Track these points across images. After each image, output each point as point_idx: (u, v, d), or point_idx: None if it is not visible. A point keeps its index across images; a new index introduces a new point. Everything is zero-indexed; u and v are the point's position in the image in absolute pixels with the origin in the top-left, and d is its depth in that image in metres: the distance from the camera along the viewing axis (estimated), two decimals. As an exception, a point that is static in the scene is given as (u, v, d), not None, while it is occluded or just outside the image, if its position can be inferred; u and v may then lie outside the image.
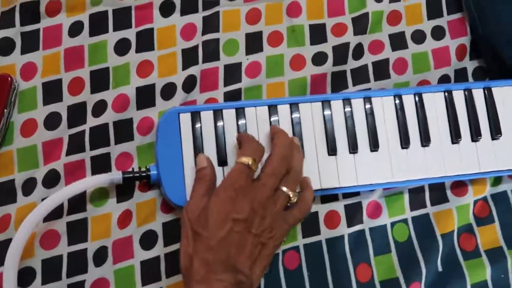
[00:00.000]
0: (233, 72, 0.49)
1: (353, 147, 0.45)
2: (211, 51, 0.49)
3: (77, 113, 0.46)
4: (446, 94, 0.47)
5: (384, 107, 0.46)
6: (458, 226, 0.48)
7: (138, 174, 0.43)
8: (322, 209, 0.47)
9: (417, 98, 0.46)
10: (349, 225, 0.47)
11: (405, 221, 0.48)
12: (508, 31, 0.48)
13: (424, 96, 0.46)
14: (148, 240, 0.44)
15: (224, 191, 0.38)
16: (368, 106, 0.46)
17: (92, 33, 0.47)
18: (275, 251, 0.40)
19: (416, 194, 0.48)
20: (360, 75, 0.50)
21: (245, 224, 0.37)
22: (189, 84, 0.47)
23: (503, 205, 0.49)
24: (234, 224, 0.37)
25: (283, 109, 0.45)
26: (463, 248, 0.48)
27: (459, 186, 0.49)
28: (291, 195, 0.40)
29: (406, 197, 0.48)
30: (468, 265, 0.47)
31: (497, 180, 0.50)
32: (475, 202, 0.49)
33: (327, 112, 0.45)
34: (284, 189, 0.40)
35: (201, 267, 0.36)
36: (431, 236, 0.48)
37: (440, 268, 0.47)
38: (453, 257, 0.48)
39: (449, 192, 0.49)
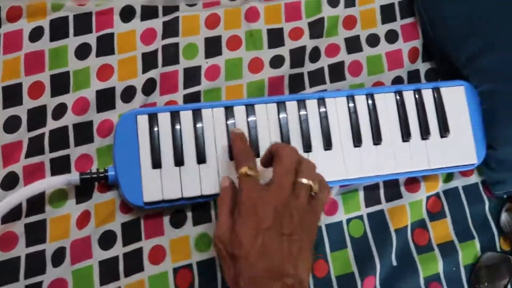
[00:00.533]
0: (192, 75, 0.50)
1: (307, 147, 0.46)
2: (171, 55, 0.50)
3: (37, 116, 0.46)
4: (397, 94, 0.48)
5: (337, 107, 0.47)
6: (412, 222, 0.50)
7: (96, 175, 0.44)
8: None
9: (369, 99, 0.48)
10: (306, 222, 0.48)
11: (360, 217, 0.49)
12: (455, 34, 0.50)
13: (376, 96, 0.48)
14: (106, 240, 0.45)
15: (244, 208, 0.37)
16: (322, 106, 0.47)
17: (52, 38, 0.48)
18: (313, 242, 0.39)
19: (371, 191, 0.50)
20: (316, 77, 0.52)
21: (275, 229, 0.37)
22: (149, 87, 0.49)
23: (455, 200, 0.51)
24: (265, 234, 0.36)
25: (240, 111, 0.46)
26: (417, 242, 0.50)
27: (412, 182, 0.51)
28: (312, 184, 0.39)
29: (361, 194, 0.50)
30: (421, 259, 0.49)
31: (449, 177, 0.52)
32: (428, 198, 0.51)
33: (282, 113, 0.46)
34: (304, 180, 0.39)
35: (249, 286, 0.36)
36: (385, 232, 0.49)
37: (394, 263, 0.49)
38: (407, 251, 0.49)
39: (402, 189, 0.51)
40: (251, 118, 0.46)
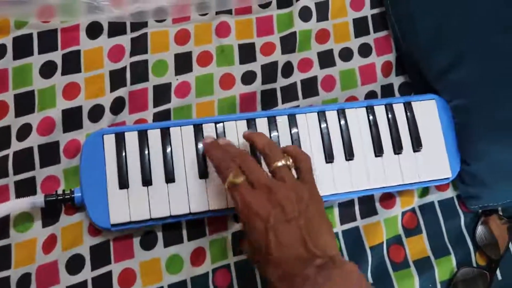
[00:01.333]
0: (162, 93, 0.49)
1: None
2: (140, 72, 0.49)
3: (0, 138, 0.45)
4: (369, 109, 0.48)
5: (308, 123, 0.47)
6: (387, 238, 0.49)
7: (61, 197, 0.43)
8: (253, 226, 0.47)
9: (340, 114, 0.47)
10: (280, 240, 0.48)
11: (335, 234, 0.48)
12: (426, 48, 0.50)
13: (347, 112, 0.47)
14: (74, 264, 0.44)
15: (245, 216, 0.37)
16: (292, 123, 0.46)
17: (16, 56, 0.47)
18: (323, 211, 0.38)
19: (346, 208, 0.49)
20: (289, 93, 0.51)
21: (280, 220, 0.36)
22: (117, 105, 0.48)
23: (430, 215, 0.51)
24: (274, 229, 0.35)
25: (209, 128, 0.45)
26: (393, 259, 0.49)
27: (388, 198, 0.50)
28: (285, 162, 0.39)
29: (336, 211, 0.49)
30: (397, 276, 0.49)
31: (424, 191, 0.51)
32: (403, 213, 0.50)
33: (252, 130, 0.45)
34: (277, 164, 0.39)
35: (282, 284, 0.35)
36: (361, 249, 0.48)
37: (370, 280, 0.48)
38: (382, 268, 0.49)
39: (378, 205, 0.50)
40: (220, 134, 0.45)
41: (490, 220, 0.51)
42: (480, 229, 0.51)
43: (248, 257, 0.39)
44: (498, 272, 0.50)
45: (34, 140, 0.45)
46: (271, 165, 0.39)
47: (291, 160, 0.40)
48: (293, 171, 0.40)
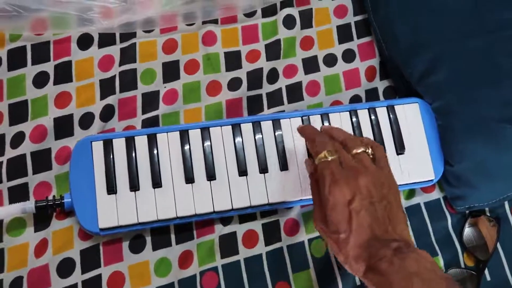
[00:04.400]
0: (151, 100, 0.50)
1: (263, 169, 0.46)
2: (129, 80, 0.51)
3: (-5, 146, 0.47)
4: (352, 113, 0.49)
5: (292, 128, 0.47)
6: (375, 240, 0.50)
7: (52, 203, 0.44)
8: (240, 229, 0.48)
9: (324, 119, 0.48)
10: (267, 243, 0.48)
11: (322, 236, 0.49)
12: (407, 52, 0.51)
13: (331, 116, 0.48)
14: (65, 268, 0.45)
15: (331, 195, 0.37)
16: (277, 128, 0.47)
17: (10, 68, 0.49)
18: (400, 199, 0.39)
19: (332, 210, 0.50)
20: (274, 98, 0.52)
21: (364, 200, 0.36)
22: (106, 113, 0.49)
23: (417, 217, 0.51)
24: (357, 212, 0.36)
25: (195, 134, 0.46)
26: (380, 261, 0.50)
27: (374, 200, 0.51)
28: (364, 149, 0.40)
29: (322, 213, 0.50)
30: (385, 277, 0.49)
31: (410, 193, 0.52)
32: (390, 215, 0.51)
33: (237, 135, 0.47)
34: (356, 150, 0.40)
35: (357, 263, 0.35)
36: (347, 251, 0.49)
37: (358, 281, 0.48)
38: (370, 270, 0.49)
39: (364, 207, 0.51)
40: (206, 140, 0.46)
41: (478, 221, 0.52)
42: (467, 230, 0.51)
43: (319, 228, 0.39)
44: (486, 272, 0.50)
45: (27, 148, 0.47)
46: (351, 151, 0.40)
47: (370, 149, 0.41)
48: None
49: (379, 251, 0.34)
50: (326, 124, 0.48)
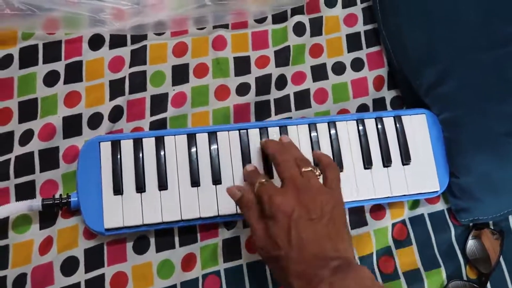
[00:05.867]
0: (159, 102, 0.51)
1: (269, 174, 0.46)
2: (138, 82, 0.51)
3: (4, 142, 0.47)
4: (359, 122, 0.49)
5: (299, 135, 0.48)
6: (377, 249, 0.50)
7: (58, 201, 0.44)
8: (243, 234, 0.48)
9: (331, 127, 0.48)
10: (270, 249, 0.48)
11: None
12: (416, 63, 0.51)
13: (338, 124, 0.49)
14: (69, 266, 0.45)
15: (270, 210, 0.38)
16: (284, 134, 0.47)
17: (22, 66, 0.49)
18: (345, 218, 0.40)
19: (336, 218, 0.50)
20: (282, 105, 0.53)
21: (303, 217, 0.37)
22: (115, 114, 0.49)
23: (421, 228, 0.51)
24: (296, 226, 0.37)
25: (202, 138, 0.46)
26: (382, 270, 0.49)
27: (378, 209, 0.51)
28: (312, 169, 0.41)
29: (326, 221, 0.50)
30: (387, 287, 0.49)
31: (414, 204, 0.52)
32: (394, 225, 0.51)
33: (244, 140, 0.47)
34: (304, 169, 0.41)
35: (298, 281, 0.36)
36: (350, 259, 0.49)
37: (359, 291, 0.48)
38: (372, 279, 0.49)
39: (368, 216, 0.51)
40: (213, 146, 0.46)
41: (482, 234, 0.52)
42: (471, 242, 0.51)
43: (261, 251, 0.39)
44: (489, 286, 0.50)
45: (35, 145, 0.47)
46: (301, 169, 0.41)
47: (318, 171, 0.42)
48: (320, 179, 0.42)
49: (318, 272, 0.35)
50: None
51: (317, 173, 0.42)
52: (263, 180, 0.41)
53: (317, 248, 0.36)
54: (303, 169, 0.41)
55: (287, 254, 0.37)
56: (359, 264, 0.36)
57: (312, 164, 0.44)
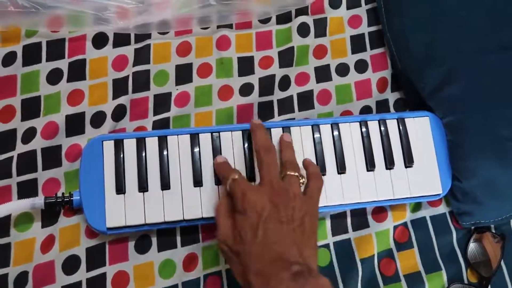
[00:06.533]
0: (162, 102, 0.51)
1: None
2: (142, 81, 0.51)
3: (6, 140, 0.47)
4: (362, 124, 0.49)
5: (302, 136, 0.48)
6: (379, 251, 0.50)
7: (61, 200, 0.44)
8: (245, 235, 0.48)
9: (334, 128, 0.48)
10: (272, 250, 0.48)
11: (327, 246, 0.49)
12: (420, 65, 0.51)
13: (341, 126, 0.48)
14: (70, 265, 0.45)
15: (241, 205, 0.39)
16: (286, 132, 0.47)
17: (25, 63, 0.49)
18: (316, 226, 0.40)
19: (338, 220, 0.50)
20: (285, 106, 0.52)
21: (274, 218, 0.38)
22: (118, 113, 0.49)
23: (422, 230, 0.51)
24: (265, 224, 0.37)
25: (205, 138, 0.46)
26: (383, 272, 0.49)
27: (380, 212, 0.51)
28: (297, 175, 0.42)
29: (328, 222, 0.50)
30: (388, 289, 0.49)
31: (416, 206, 0.52)
32: (395, 227, 0.51)
33: (247, 141, 0.46)
34: (289, 172, 0.42)
35: (257, 279, 0.36)
36: (351, 261, 0.49)
37: (360, 293, 0.49)
38: (373, 281, 0.49)
39: (370, 218, 0.51)
40: (216, 144, 0.46)
41: (483, 237, 0.52)
42: (472, 246, 0.51)
43: (223, 252, 0.39)
44: (489, 289, 0.51)
45: (37, 144, 0.47)
46: (284, 171, 0.42)
47: (305, 178, 0.43)
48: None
49: (278, 273, 0.35)
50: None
51: (302, 181, 0.43)
52: (236, 176, 0.41)
53: (281, 250, 0.37)
54: (289, 173, 0.42)
55: (249, 249, 0.37)
56: (319, 274, 0.36)
57: (301, 171, 0.44)
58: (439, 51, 0.49)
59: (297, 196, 0.40)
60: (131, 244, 0.46)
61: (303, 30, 0.55)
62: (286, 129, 0.47)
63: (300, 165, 0.45)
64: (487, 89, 0.47)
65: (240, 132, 0.47)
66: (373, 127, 0.49)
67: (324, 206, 0.46)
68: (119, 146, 0.45)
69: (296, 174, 0.42)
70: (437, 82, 0.49)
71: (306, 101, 0.53)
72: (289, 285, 0.34)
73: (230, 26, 0.54)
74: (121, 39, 0.51)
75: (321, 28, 0.55)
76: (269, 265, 0.36)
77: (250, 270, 0.36)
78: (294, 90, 0.53)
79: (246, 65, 0.53)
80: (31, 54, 0.49)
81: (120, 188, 0.44)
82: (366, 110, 0.53)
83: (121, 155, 0.45)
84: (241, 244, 0.37)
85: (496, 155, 0.47)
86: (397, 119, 0.49)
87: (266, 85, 0.52)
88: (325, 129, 0.48)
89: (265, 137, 0.44)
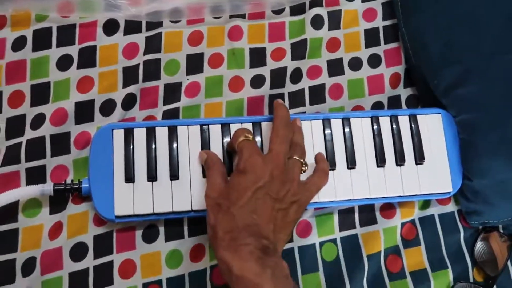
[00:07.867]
0: (173, 92, 0.50)
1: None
2: (152, 70, 0.50)
3: (15, 125, 0.47)
4: (373, 120, 0.48)
5: (313, 130, 0.47)
6: (386, 248, 0.50)
7: (69, 187, 0.44)
8: (253, 227, 0.48)
9: (345, 123, 0.48)
10: (278, 243, 0.49)
11: (334, 241, 0.49)
12: (435, 62, 0.50)
13: (352, 121, 0.48)
14: (78, 252, 0.45)
15: (244, 164, 0.39)
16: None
17: (35, 48, 0.49)
18: (298, 218, 0.41)
19: (346, 215, 0.50)
20: (296, 99, 0.52)
21: (265, 189, 0.39)
22: (128, 101, 0.49)
23: (430, 228, 0.51)
24: (256, 192, 0.38)
25: (215, 129, 0.46)
26: (389, 269, 0.49)
27: (388, 208, 0.51)
28: (302, 161, 0.43)
29: (336, 217, 0.50)
30: (393, 286, 0.49)
31: (425, 204, 0.52)
32: (403, 224, 0.51)
33: (257, 133, 0.46)
34: (295, 156, 0.42)
35: (225, 235, 0.37)
36: (358, 257, 0.49)
37: (366, 287, 0.48)
38: (379, 277, 0.49)
39: (378, 214, 0.50)
40: (226, 138, 0.46)
41: (490, 236, 0.51)
42: (479, 245, 0.51)
43: (208, 198, 0.40)
44: (495, 289, 0.51)
45: (46, 130, 0.47)
46: (291, 153, 0.42)
47: (307, 166, 0.43)
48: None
49: (247, 237, 0.35)
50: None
51: (304, 168, 0.43)
52: (250, 137, 0.42)
53: (257, 222, 0.37)
54: (295, 157, 0.42)
55: (229, 208, 0.38)
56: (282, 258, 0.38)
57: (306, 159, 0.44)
58: (456, 50, 0.48)
59: (294, 181, 0.41)
60: (139, 233, 0.46)
61: (317, 22, 0.54)
62: (297, 122, 0.47)
63: (312, 157, 0.45)
64: (503, 89, 0.47)
65: (251, 124, 0.46)
66: (385, 122, 0.48)
67: (333, 201, 0.46)
68: (129, 135, 0.45)
69: (301, 160, 0.43)
70: (452, 80, 0.48)
71: (317, 94, 0.52)
72: (253, 251, 0.35)
73: (243, 16, 0.53)
74: (132, 27, 0.50)
75: (335, 20, 0.54)
76: (241, 228, 0.37)
77: (221, 224, 0.37)
78: (305, 83, 0.52)
79: (258, 57, 0.52)
80: (41, 39, 0.49)
81: (129, 177, 0.44)
82: (377, 105, 0.53)
83: (131, 144, 0.45)
84: (227, 199, 0.38)
85: (508, 156, 0.46)
86: (409, 115, 0.49)
87: (278, 77, 0.52)
88: (336, 123, 0.48)
89: (287, 114, 0.44)
